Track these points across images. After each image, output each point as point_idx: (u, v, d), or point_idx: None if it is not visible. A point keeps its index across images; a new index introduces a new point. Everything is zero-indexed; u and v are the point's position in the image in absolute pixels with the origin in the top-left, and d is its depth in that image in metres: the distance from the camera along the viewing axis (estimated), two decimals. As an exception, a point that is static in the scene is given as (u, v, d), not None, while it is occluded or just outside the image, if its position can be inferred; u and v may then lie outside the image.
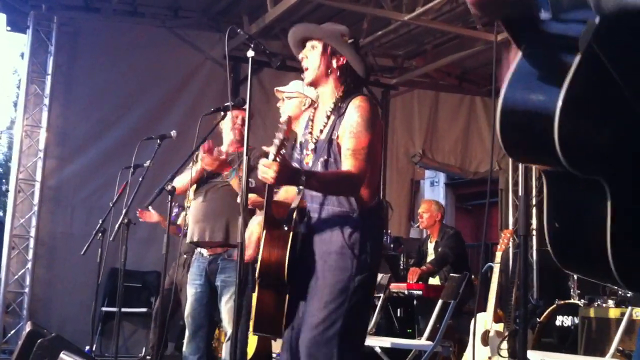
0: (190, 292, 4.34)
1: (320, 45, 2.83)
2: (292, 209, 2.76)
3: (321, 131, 2.81)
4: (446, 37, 8.46)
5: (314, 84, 2.87)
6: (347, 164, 2.65)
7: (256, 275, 2.70)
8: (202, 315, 4.28)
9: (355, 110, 2.70)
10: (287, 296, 2.68)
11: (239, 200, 3.19)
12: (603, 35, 1.18)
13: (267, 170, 2.46)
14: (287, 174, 2.51)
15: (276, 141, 2.49)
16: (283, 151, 2.48)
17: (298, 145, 2.99)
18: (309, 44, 2.86)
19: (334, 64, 2.82)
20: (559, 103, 1.16)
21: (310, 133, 2.86)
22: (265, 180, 2.52)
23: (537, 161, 1.31)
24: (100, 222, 4.94)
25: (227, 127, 4.36)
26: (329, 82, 2.83)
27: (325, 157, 2.74)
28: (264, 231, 2.68)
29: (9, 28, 7.91)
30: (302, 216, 2.80)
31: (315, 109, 2.95)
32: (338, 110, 2.77)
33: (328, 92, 2.85)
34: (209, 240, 4.27)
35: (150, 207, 5.73)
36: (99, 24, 7.72)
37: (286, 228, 2.70)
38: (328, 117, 2.80)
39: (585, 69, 1.18)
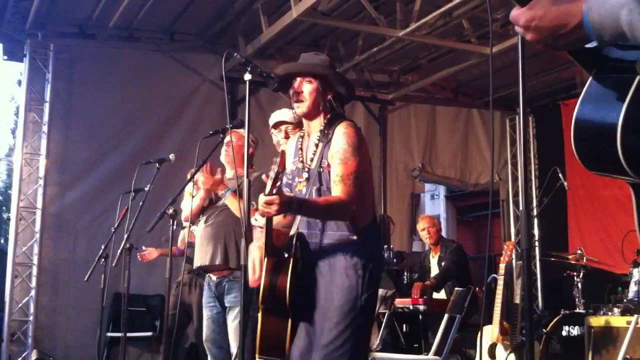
0: (206, 314, 4.42)
1: (315, 82, 2.94)
2: (292, 235, 2.85)
3: (311, 160, 2.92)
4: (441, 52, 8.51)
5: (307, 116, 2.96)
6: (337, 190, 2.76)
7: (259, 301, 2.77)
8: (221, 336, 4.34)
9: (342, 136, 2.83)
10: (291, 320, 2.75)
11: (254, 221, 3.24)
12: None
13: (269, 207, 2.56)
14: (285, 205, 2.60)
15: (271, 174, 2.57)
16: (278, 183, 2.56)
17: (289, 172, 3.07)
18: (304, 80, 2.94)
19: (326, 97, 2.94)
20: (621, 118, 1.32)
21: (302, 162, 2.96)
22: (269, 214, 2.64)
23: (609, 172, 1.43)
24: (102, 247, 4.93)
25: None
26: (320, 115, 2.95)
27: (318, 185, 2.86)
28: (265, 259, 2.76)
29: (5, 57, 7.95)
30: (302, 242, 2.86)
31: (302, 137, 3.05)
32: (325, 137, 2.89)
33: (317, 123, 2.96)
34: (209, 264, 4.34)
35: (144, 247, 5.79)
36: (95, 50, 7.75)
37: (287, 255, 2.78)
38: (317, 146, 2.92)
39: None
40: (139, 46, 7.95)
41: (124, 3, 6.99)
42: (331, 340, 2.69)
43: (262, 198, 2.57)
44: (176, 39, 8.10)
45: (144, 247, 5.87)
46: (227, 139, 4.25)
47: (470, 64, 7.99)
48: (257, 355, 2.88)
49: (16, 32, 7.59)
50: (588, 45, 1.41)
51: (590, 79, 1.46)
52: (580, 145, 1.43)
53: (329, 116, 2.94)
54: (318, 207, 2.79)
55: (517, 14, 1.37)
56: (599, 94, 1.43)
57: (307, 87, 2.93)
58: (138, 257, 5.70)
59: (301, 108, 2.93)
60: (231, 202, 4.23)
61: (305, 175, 2.92)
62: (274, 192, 2.56)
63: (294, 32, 7.84)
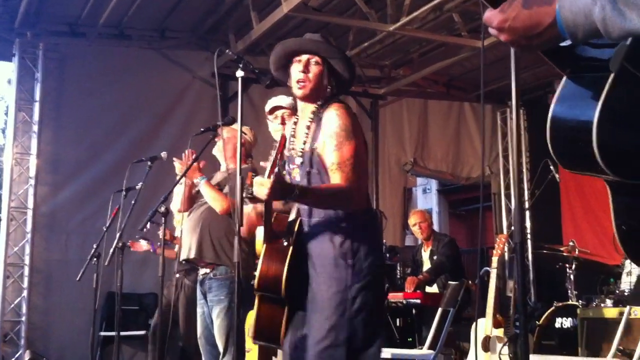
0: (199, 312, 4.41)
1: (322, 64, 2.83)
2: (291, 221, 2.79)
3: (304, 142, 2.82)
4: (432, 45, 8.51)
5: (307, 98, 2.84)
6: (336, 177, 2.67)
7: (254, 286, 2.72)
8: (213, 334, 4.32)
9: (334, 119, 2.72)
10: (287, 307, 2.71)
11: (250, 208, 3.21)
12: (635, 54, 1.34)
13: (260, 188, 2.48)
14: (281, 190, 2.52)
15: (271, 158, 2.53)
16: (277, 169, 2.51)
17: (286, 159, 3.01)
18: (311, 60, 2.83)
19: (328, 82, 2.85)
20: (596, 116, 1.33)
21: (294, 148, 2.88)
22: (260, 197, 2.54)
23: (586, 170, 1.44)
24: (94, 247, 4.92)
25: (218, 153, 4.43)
26: (318, 99, 2.85)
27: (308, 168, 2.76)
28: (264, 244, 2.71)
29: (-6, 57, 7.92)
30: (300, 229, 2.81)
31: (295, 124, 2.95)
32: (316, 120, 2.79)
33: (311, 107, 2.85)
34: (186, 257, 4.34)
35: (138, 237, 5.76)
36: (85, 48, 7.72)
37: (285, 243, 2.72)
38: (308, 128, 2.82)
39: (618, 85, 1.34)
40: (130, 44, 7.92)
41: (113, 1, 6.95)
42: (324, 334, 2.59)
43: (256, 180, 2.50)
44: (167, 36, 8.07)
45: (137, 237, 5.84)
46: (225, 134, 4.24)
47: (461, 58, 7.99)
48: (252, 340, 2.87)
49: (5, 32, 7.54)
50: (563, 44, 1.42)
51: (564, 78, 1.48)
52: (556, 144, 1.45)
53: (324, 100, 2.83)
54: (320, 195, 2.67)
55: (490, 15, 1.38)
56: (574, 93, 1.44)
57: (314, 68, 2.82)
58: (128, 243, 5.63)
59: (303, 90, 2.80)
60: (205, 191, 4.19)
61: (299, 160, 2.82)
62: (271, 176, 2.48)
63: (285, 27, 7.82)
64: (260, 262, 2.69)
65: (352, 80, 2.93)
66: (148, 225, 4.09)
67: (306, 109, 2.87)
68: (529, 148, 9.73)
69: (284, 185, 2.53)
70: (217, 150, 4.41)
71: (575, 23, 1.26)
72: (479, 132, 9.92)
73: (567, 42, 1.40)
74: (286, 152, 2.94)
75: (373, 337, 2.69)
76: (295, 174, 2.85)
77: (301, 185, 2.67)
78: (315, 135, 2.76)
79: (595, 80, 1.39)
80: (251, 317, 2.91)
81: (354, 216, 2.72)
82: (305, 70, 2.81)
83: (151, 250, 5.89)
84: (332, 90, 2.87)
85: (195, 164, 4.20)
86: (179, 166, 4.28)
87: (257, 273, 2.70)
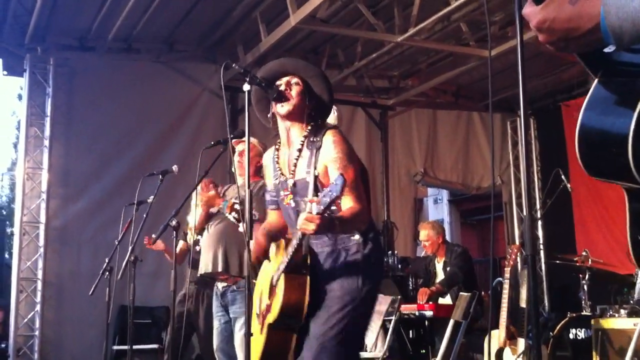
0: (216, 325, 4.41)
1: (301, 84, 2.95)
2: (305, 255, 2.84)
3: (295, 166, 2.89)
4: (440, 56, 8.51)
5: (291, 116, 2.92)
6: (347, 199, 2.73)
7: (272, 319, 2.79)
8: (230, 346, 4.34)
9: (333, 145, 2.81)
10: (296, 334, 2.81)
11: (241, 229, 3.24)
12: None
13: (308, 224, 2.50)
14: (325, 225, 2.55)
15: (326, 199, 2.47)
16: (324, 205, 2.47)
17: (272, 188, 3.07)
18: (292, 80, 2.95)
19: (310, 103, 2.94)
20: (632, 124, 1.27)
21: (282, 174, 2.95)
22: (305, 232, 2.57)
23: (613, 177, 1.39)
24: (106, 260, 4.92)
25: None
26: (302, 121, 2.93)
27: (315, 193, 2.80)
28: (283, 274, 2.78)
29: (5, 72, 7.97)
30: (313, 255, 2.88)
31: (278, 150, 3.02)
32: (313, 145, 2.85)
33: (297, 130, 2.94)
34: (212, 271, 4.34)
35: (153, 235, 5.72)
36: (94, 62, 7.77)
37: (304, 272, 2.81)
38: (299, 151, 2.88)
39: None
40: (139, 57, 7.96)
41: (122, 15, 7.00)
42: (328, 328, 2.72)
43: (302, 216, 2.52)
44: (175, 49, 8.10)
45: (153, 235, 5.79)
46: (240, 148, 4.26)
47: (469, 67, 7.98)
48: None
49: (16, 47, 7.61)
50: (606, 50, 1.37)
51: (595, 82, 1.42)
52: (585, 150, 1.40)
53: (311, 125, 2.92)
54: (347, 221, 2.72)
55: (530, 12, 1.34)
56: (607, 99, 1.38)
57: (295, 87, 2.93)
58: (145, 240, 5.53)
59: (286, 106, 2.89)
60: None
61: (289, 185, 2.89)
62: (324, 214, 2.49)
63: (293, 39, 7.85)
64: (281, 293, 2.76)
65: (331, 103, 3.02)
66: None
67: (293, 133, 2.94)
68: (540, 157, 9.69)
69: (327, 220, 2.55)
70: (239, 168, 4.40)
71: (622, 29, 1.21)
72: (488, 141, 9.90)
73: (610, 48, 1.35)
74: (275, 180, 3.01)
75: (362, 333, 2.96)
76: (289, 200, 2.91)
77: (335, 216, 2.67)
78: (310, 162, 2.83)
79: (629, 86, 1.34)
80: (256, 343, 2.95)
81: (365, 230, 2.85)
82: (288, 88, 2.92)
83: (165, 251, 5.82)
84: (312, 112, 2.93)
85: (213, 192, 4.23)
86: (199, 196, 4.31)
87: (277, 305, 2.77)
